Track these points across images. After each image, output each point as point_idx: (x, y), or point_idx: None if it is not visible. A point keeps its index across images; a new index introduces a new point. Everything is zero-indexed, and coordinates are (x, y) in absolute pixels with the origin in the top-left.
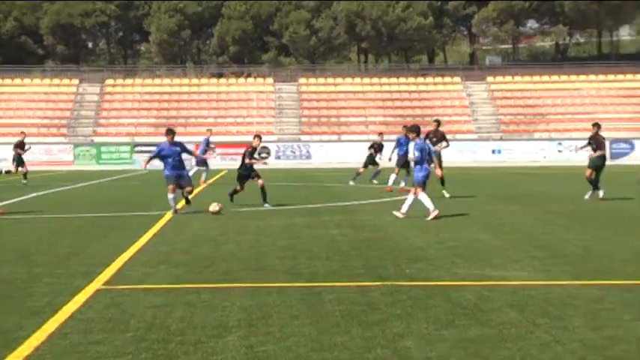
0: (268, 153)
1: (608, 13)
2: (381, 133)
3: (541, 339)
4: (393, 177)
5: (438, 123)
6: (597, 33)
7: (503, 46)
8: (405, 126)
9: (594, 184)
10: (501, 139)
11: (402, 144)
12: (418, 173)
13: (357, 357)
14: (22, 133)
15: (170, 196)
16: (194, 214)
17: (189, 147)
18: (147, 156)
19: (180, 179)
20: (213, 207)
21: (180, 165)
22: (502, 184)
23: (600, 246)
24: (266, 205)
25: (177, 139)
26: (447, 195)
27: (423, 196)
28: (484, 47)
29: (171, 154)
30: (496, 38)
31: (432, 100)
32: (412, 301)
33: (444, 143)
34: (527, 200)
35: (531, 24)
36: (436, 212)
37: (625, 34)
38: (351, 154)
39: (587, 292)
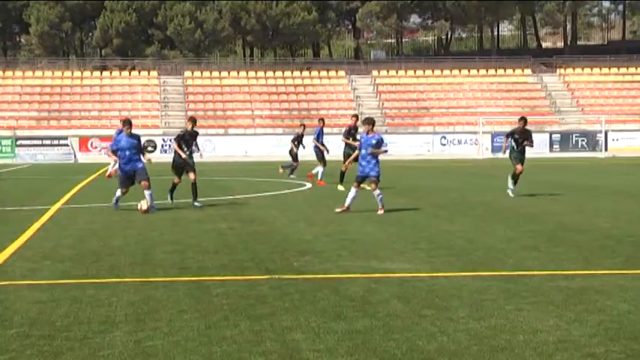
0: (154, 146)
1: (488, 9)
2: (302, 125)
3: (427, 330)
4: None
5: (525, 121)
6: (478, 28)
7: (387, 41)
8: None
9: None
10: (387, 132)
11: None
12: (376, 168)
13: (246, 350)
14: None
15: (119, 193)
16: (79, 208)
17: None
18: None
19: (136, 174)
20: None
21: (137, 158)
22: (387, 178)
23: (483, 238)
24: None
25: (61, 133)
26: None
27: (353, 191)
28: (368, 42)
29: (128, 147)
30: (380, 33)
31: (318, 93)
32: (300, 294)
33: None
34: (412, 193)
35: (414, 19)
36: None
37: (505, 29)
38: (237, 148)
39: (470, 283)
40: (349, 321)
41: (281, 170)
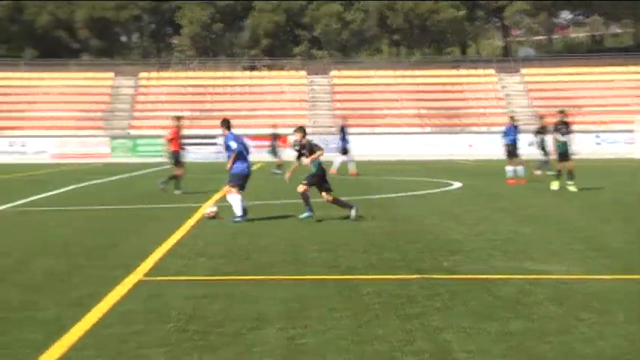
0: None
1: None
2: (274, 125)
3: (584, 333)
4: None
5: (564, 114)
6: (633, 24)
7: (537, 38)
8: (511, 117)
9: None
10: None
11: (507, 134)
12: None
13: (398, 349)
14: None
15: (237, 196)
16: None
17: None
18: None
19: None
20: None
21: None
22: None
23: None
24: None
25: (211, 132)
26: (573, 189)
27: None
28: (517, 39)
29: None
30: (529, 30)
31: (466, 92)
32: (451, 294)
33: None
34: (564, 193)
35: (565, 15)
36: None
37: None
38: (384, 147)
39: (628, 286)
40: (502, 322)
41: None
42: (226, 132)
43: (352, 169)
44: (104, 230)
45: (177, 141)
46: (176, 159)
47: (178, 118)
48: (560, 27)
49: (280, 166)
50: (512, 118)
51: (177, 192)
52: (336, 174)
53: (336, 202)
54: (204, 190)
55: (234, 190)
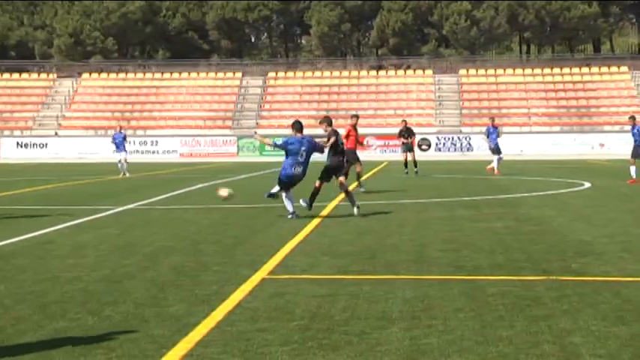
0: (428, 145)
1: None
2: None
3: None
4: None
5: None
6: None
7: None
8: (631, 117)
9: None
10: None
11: (636, 134)
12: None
13: (523, 352)
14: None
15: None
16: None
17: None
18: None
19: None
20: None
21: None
22: None
23: None
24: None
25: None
26: None
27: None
28: None
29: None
30: None
31: (598, 90)
32: (579, 296)
33: None
34: None
35: None
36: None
37: None
38: (511, 146)
39: None
40: (633, 326)
41: None
42: (297, 135)
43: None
44: (231, 228)
45: (354, 138)
46: (353, 156)
47: (356, 117)
48: None
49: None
50: (632, 117)
51: (361, 189)
52: (498, 174)
53: (347, 193)
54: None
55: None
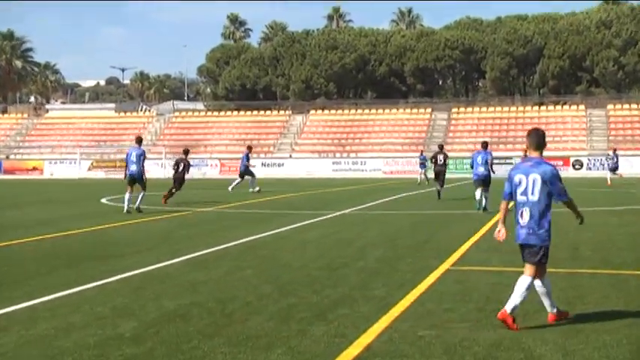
0: (580, 164)
1: None
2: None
3: None
4: None
5: None
6: None
7: None
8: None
9: None
10: None
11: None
12: None
13: None
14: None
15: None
16: None
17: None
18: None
19: None
20: None
21: None
22: None
23: None
24: None
25: (506, 154)
26: None
27: None
28: None
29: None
30: None
31: None
32: None
33: None
34: None
35: None
36: None
37: None
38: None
39: None
40: None
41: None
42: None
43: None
44: (420, 229)
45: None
46: None
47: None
48: None
49: None
50: None
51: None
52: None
53: None
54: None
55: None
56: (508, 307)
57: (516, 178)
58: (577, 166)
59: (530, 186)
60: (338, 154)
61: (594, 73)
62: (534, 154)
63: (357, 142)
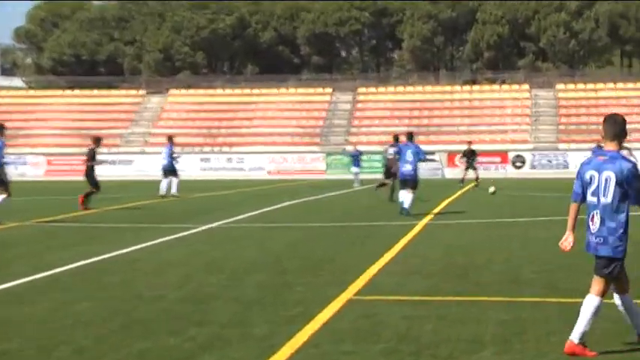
0: (523, 162)
1: None
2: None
3: None
4: None
5: None
6: None
7: None
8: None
9: None
10: None
11: None
12: None
13: None
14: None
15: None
16: (445, 223)
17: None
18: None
19: None
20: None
21: None
22: None
23: None
24: None
25: (429, 148)
26: None
27: None
28: None
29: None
30: None
31: None
32: None
33: None
34: None
35: None
36: None
37: None
38: None
39: None
40: None
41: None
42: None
43: None
44: (317, 247)
45: None
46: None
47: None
48: None
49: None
50: None
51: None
52: None
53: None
54: (420, 207)
55: None
56: (575, 337)
57: (587, 175)
58: (518, 164)
59: (603, 185)
60: (208, 149)
61: (540, 42)
62: (610, 146)
63: (233, 133)
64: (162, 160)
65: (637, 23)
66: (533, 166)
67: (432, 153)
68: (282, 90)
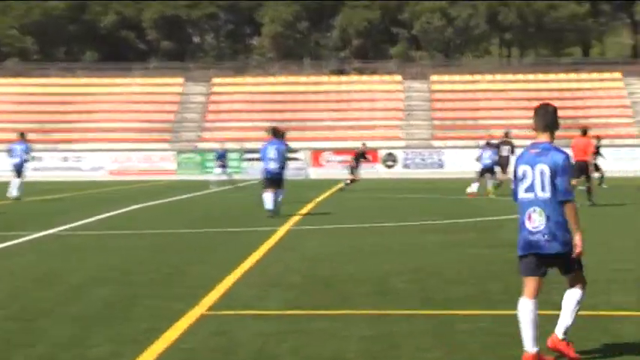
0: (394, 160)
1: None
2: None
3: None
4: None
5: None
6: None
7: None
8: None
9: None
10: None
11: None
12: None
13: None
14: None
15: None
16: (309, 229)
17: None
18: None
19: None
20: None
21: None
22: None
23: None
24: None
25: (292, 145)
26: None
27: None
28: None
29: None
30: None
31: (586, 99)
32: None
33: None
34: None
35: None
36: None
37: None
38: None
39: None
40: None
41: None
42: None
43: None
44: (167, 256)
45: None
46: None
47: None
48: None
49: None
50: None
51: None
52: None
53: None
54: (282, 210)
55: None
56: (559, 331)
57: (519, 171)
58: (389, 163)
59: (539, 180)
60: (40, 146)
61: (414, 29)
62: (542, 138)
63: (69, 128)
64: (13, 159)
65: (517, 10)
66: (405, 165)
67: (296, 151)
68: (127, 79)
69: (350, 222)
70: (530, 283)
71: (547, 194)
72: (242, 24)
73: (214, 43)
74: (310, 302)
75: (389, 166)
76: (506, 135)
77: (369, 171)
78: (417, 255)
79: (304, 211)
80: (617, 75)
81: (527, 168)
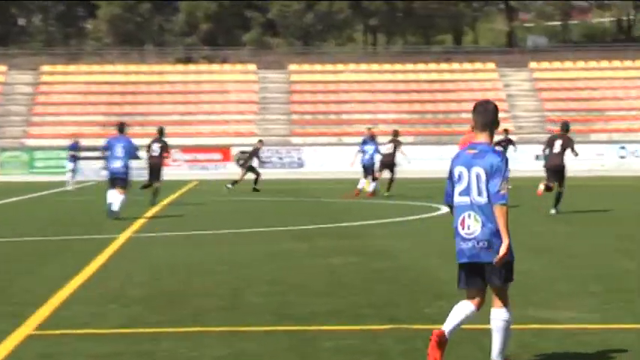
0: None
1: None
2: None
3: None
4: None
5: None
6: None
7: (550, 24)
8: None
9: None
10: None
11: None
12: None
13: None
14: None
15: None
16: (154, 236)
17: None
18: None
19: None
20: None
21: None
22: (548, 199)
23: None
24: None
25: (136, 142)
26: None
27: None
28: (526, 25)
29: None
30: (541, 14)
31: (459, 91)
32: None
33: None
34: (582, 220)
35: None
36: None
37: None
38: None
39: None
40: None
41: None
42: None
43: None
44: None
45: None
46: None
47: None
48: (579, 10)
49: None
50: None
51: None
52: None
53: None
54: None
55: None
56: (495, 355)
57: (455, 172)
58: (242, 162)
59: (475, 183)
60: None
61: (270, 13)
62: (481, 137)
63: None
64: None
65: None
66: (260, 164)
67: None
68: None
69: (200, 228)
70: (469, 294)
71: (483, 199)
72: (74, 5)
73: (42, 25)
74: (154, 319)
75: (242, 166)
76: (395, 134)
77: (220, 171)
78: (277, 265)
79: (149, 214)
80: (491, 65)
81: (464, 170)
